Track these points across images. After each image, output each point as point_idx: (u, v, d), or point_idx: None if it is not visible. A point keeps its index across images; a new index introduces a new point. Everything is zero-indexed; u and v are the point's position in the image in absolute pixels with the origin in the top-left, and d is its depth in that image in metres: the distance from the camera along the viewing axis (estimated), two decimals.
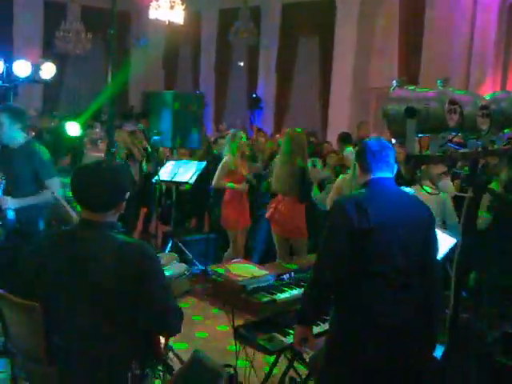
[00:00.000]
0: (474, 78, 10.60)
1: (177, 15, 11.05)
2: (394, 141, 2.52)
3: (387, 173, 2.67)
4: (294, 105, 14.44)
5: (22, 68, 5.53)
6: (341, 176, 5.20)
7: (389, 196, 2.65)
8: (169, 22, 11.13)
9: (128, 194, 2.42)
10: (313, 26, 13.62)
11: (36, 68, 5.68)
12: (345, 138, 7.72)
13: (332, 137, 11.17)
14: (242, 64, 15.87)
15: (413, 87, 2.40)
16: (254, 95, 15.00)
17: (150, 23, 12.57)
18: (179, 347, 4.33)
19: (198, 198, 6.99)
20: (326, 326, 3.13)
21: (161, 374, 2.78)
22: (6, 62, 5.46)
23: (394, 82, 2.32)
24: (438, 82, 2.45)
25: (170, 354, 3.91)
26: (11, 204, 4.03)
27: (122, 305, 2.31)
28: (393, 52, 12.09)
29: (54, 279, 2.35)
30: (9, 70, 5.46)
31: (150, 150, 6.79)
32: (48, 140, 7.63)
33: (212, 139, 9.44)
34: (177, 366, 3.85)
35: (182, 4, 11.33)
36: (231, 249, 5.99)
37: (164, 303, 2.39)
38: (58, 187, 4.19)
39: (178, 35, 14.80)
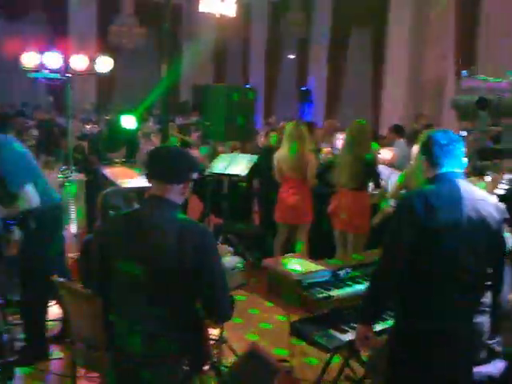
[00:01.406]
0: None
1: (228, 8, 11.02)
2: (464, 133, 2.41)
3: (456, 167, 2.56)
4: (346, 97, 14.24)
5: (78, 62, 5.61)
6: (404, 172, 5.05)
7: (458, 192, 2.52)
8: (220, 15, 11.12)
9: (195, 175, 2.55)
10: (365, 15, 13.35)
11: (92, 61, 5.74)
12: (397, 130, 7.56)
13: (385, 129, 10.97)
14: (292, 56, 15.77)
15: (484, 77, 2.29)
16: (304, 88, 14.88)
17: (201, 16, 12.63)
18: (235, 342, 4.35)
19: (251, 191, 6.99)
20: (387, 324, 3.05)
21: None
22: (63, 56, 5.55)
23: (465, 71, 2.22)
24: (509, 72, 2.32)
25: (224, 347, 3.95)
26: None
27: (182, 283, 2.38)
28: (448, 41, 11.75)
29: (116, 257, 2.44)
30: (66, 64, 5.53)
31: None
32: (104, 133, 7.79)
33: (262, 132, 9.43)
34: (231, 359, 3.88)
35: None
36: (303, 245, 5.88)
37: (222, 283, 2.47)
38: (31, 197, 3.79)
39: (228, 28, 14.82)
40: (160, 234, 2.38)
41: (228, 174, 6.41)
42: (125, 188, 3.91)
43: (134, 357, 2.40)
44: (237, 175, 6.35)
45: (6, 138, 4.00)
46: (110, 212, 3.26)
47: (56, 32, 14.73)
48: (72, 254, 4.93)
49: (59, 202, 4.19)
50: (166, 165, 2.49)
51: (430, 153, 2.57)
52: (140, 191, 4.97)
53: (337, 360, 3.69)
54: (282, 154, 5.83)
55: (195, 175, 2.57)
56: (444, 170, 2.55)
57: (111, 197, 3.39)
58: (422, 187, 2.60)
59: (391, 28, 12.78)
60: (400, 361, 2.57)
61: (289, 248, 6.00)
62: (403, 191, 4.91)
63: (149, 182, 2.51)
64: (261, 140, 8.87)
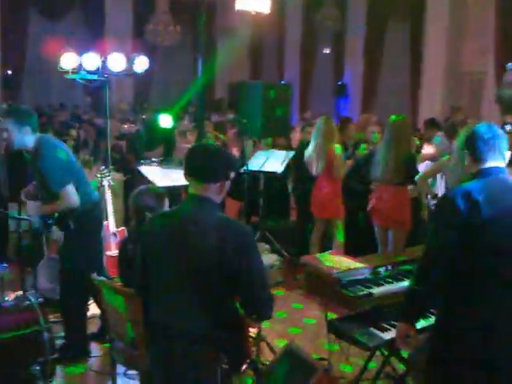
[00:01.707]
0: None
1: (263, 5, 10.98)
2: (508, 127, 2.33)
3: (500, 161, 2.49)
4: (382, 91, 14.07)
5: (116, 62, 5.63)
6: (441, 160, 4.96)
7: (503, 187, 2.46)
8: (255, 11, 11.09)
9: (232, 173, 2.53)
10: (403, 8, 13.15)
11: (129, 61, 5.76)
12: (433, 124, 7.42)
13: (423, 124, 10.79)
14: (327, 51, 15.64)
15: None
16: (340, 82, 14.75)
17: (236, 13, 12.61)
18: (272, 339, 4.34)
19: (286, 188, 6.95)
20: (429, 321, 2.99)
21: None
22: (100, 56, 5.59)
23: (510, 64, 2.13)
24: None
25: (263, 345, 3.93)
26: (29, 210, 4.01)
27: (221, 282, 2.37)
28: (487, 35, 11.49)
29: (157, 257, 2.46)
30: (103, 65, 5.57)
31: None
32: (141, 132, 7.86)
33: (298, 128, 9.36)
34: (269, 357, 3.87)
35: None
36: (338, 239, 5.95)
37: (261, 282, 2.45)
38: (71, 197, 3.83)
39: (263, 24, 14.78)
40: (200, 233, 2.37)
41: (264, 171, 6.39)
42: (156, 187, 3.92)
43: (174, 355, 2.41)
44: (273, 172, 6.33)
45: (48, 138, 4.07)
46: (146, 213, 3.26)
47: (93, 32, 14.95)
48: (110, 253, 4.99)
49: (98, 202, 4.24)
50: (203, 163, 2.48)
51: (474, 147, 2.51)
52: (172, 190, 5.03)
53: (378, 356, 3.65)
54: (308, 150, 5.91)
55: (232, 174, 2.55)
56: (488, 164, 2.49)
57: (143, 196, 3.39)
58: (464, 183, 2.53)
59: (429, 21, 12.57)
60: (441, 359, 2.52)
61: (325, 243, 6.01)
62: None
63: (186, 180, 2.51)
64: (296, 135, 8.81)
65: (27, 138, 3.82)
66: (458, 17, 12.21)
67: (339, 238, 5.99)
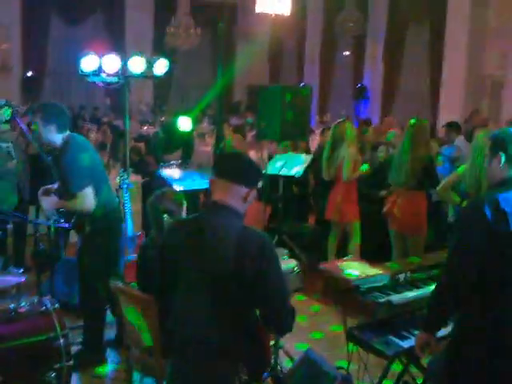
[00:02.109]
0: None
1: (283, 7, 10.98)
2: None
3: None
4: (402, 94, 13.98)
5: (136, 64, 5.63)
6: (461, 168, 4.89)
7: None
8: (275, 14, 11.09)
9: (259, 185, 2.57)
10: (423, 10, 13.05)
11: (149, 64, 5.76)
12: (453, 127, 7.34)
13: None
14: (347, 54, 15.58)
15: None
16: (360, 85, 14.67)
17: (256, 16, 12.64)
18: (291, 345, 4.30)
19: (305, 192, 6.91)
20: (448, 329, 2.94)
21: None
22: (121, 58, 5.59)
23: None
24: None
25: (281, 353, 3.90)
26: (44, 205, 4.01)
27: (239, 293, 2.33)
28: (508, 37, 11.33)
29: (177, 264, 2.43)
30: (124, 67, 5.57)
31: None
32: (161, 135, 7.87)
33: (317, 131, 9.33)
34: (287, 364, 3.83)
35: None
36: (355, 243, 5.93)
37: (282, 294, 2.41)
38: (88, 201, 3.82)
39: (283, 27, 14.79)
40: (219, 242, 2.34)
41: (283, 175, 6.36)
42: (174, 190, 3.90)
43: (191, 365, 2.39)
44: (292, 176, 6.29)
45: (77, 138, 4.05)
46: (164, 216, 3.25)
47: (114, 35, 15.08)
48: (128, 257, 4.99)
49: (117, 206, 4.24)
50: (236, 164, 2.48)
51: (506, 152, 2.43)
52: (190, 194, 5.01)
53: (396, 366, 3.60)
54: (323, 155, 5.94)
55: (260, 184, 2.54)
56: None
57: (161, 200, 3.38)
58: (491, 191, 2.47)
59: (450, 24, 12.44)
60: (460, 368, 2.47)
61: (342, 248, 5.98)
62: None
63: (212, 183, 2.47)
64: (316, 138, 8.78)
65: (52, 136, 3.87)
66: (478, 19, 12.07)
67: (355, 240, 5.95)
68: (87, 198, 3.83)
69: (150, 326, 2.98)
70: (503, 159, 2.45)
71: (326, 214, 6.06)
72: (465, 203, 4.71)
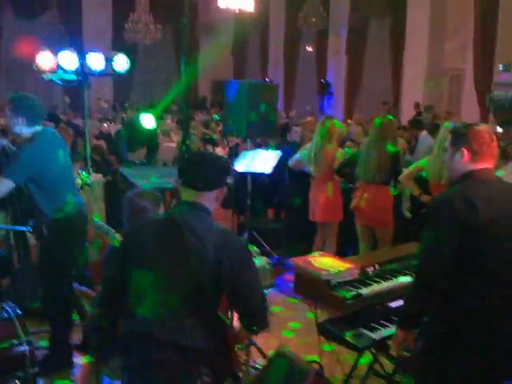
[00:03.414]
0: None
1: (247, 3, 10.93)
2: (499, 129, 2.30)
3: (490, 163, 2.47)
4: (365, 88, 14.14)
5: (95, 61, 5.51)
6: (423, 160, 4.96)
7: (496, 189, 2.45)
8: (238, 9, 11.04)
9: (229, 180, 2.49)
10: (384, 6, 13.23)
11: (109, 61, 5.65)
12: (415, 124, 7.46)
13: (404, 120, 10.86)
14: (310, 49, 15.65)
15: None
16: (323, 80, 14.75)
17: (219, 11, 12.55)
18: (263, 341, 4.29)
19: (275, 188, 6.88)
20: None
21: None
22: (78, 55, 5.46)
23: (501, 66, 2.09)
24: None
25: (253, 349, 3.88)
26: None
27: (215, 295, 2.34)
28: (468, 31, 11.60)
29: (143, 264, 2.37)
30: (82, 64, 5.44)
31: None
32: (123, 132, 7.74)
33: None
34: (260, 361, 3.82)
35: None
36: (330, 242, 5.79)
37: (258, 295, 2.42)
38: (2, 190, 3.69)
39: (246, 23, 14.75)
40: (198, 244, 2.31)
41: (252, 172, 6.31)
42: (150, 189, 3.80)
43: (154, 366, 2.33)
44: (261, 173, 6.25)
45: (44, 135, 3.89)
46: (140, 216, 3.15)
47: (70, 31, 14.75)
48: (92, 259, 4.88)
49: (79, 207, 4.09)
50: (200, 174, 2.43)
51: (476, 147, 2.45)
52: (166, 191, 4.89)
53: (367, 357, 3.62)
54: (306, 151, 5.82)
55: (230, 179, 2.50)
56: (480, 165, 2.46)
57: (141, 197, 3.26)
58: (457, 184, 2.50)
59: (410, 18, 12.67)
60: (436, 359, 2.49)
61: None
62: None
63: (181, 189, 2.46)
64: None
65: (20, 129, 3.76)
66: (438, 14, 12.32)
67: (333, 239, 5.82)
68: (3, 186, 3.68)
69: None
70: (465, 154, 2.48)
71: (313, 216, 5.86)
72: (423, 196, 4.82)
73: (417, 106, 11.73)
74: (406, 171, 5.08)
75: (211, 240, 2.31)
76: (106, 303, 2.58)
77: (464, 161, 2.49)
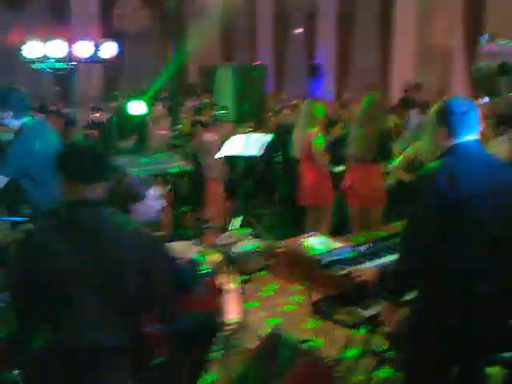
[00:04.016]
0: None
1: None
2: (486, 99, 2.33)
3: (473, 135, 2.49)
4: (356, 68, 14.09)
5: (83, 49, 5.50)
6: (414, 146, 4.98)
7: (478, 161, 2.48)
8: None
9: (113, 173, 2.51)
10: None
11: (97, 48, 5.63)
12: (406, 103, 7.45)
13: (395, 98, 10.84)
14: (299, 31, 15.55)
15: (505, 41, 2.18)
16: (313, 62, 14.68)
17: None
18: (257, 322, 4.34)
19: (266, 172, 6.89)
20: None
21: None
22: (67, 43, 5.44)
23: (485, 36, 2.10)
24: None
25: (246, 331, 3.92)
26: None
27: (132, 292, 2.28)
28: (456, 9, 11.55)
29: (50, 272, 2.25)
30: (70, 52, 5.42)
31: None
32: (113, 121, 7.71)
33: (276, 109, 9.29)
34: (253, 342, 3.86)
35: None
36: (322, 226, 5.76)
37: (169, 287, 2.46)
38: None
39: (233, 5, 14.63)
40: (109, 244, 2.25)
41: (243, 156, 6.32)
42: (145, 176, 3.75)
43: (77, 370, 2.25)
44: (252, 156, 6.25)
45: (32, 126, 3.91)
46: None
47: (58, 19, 14.59)
48: None
49: None
50: (84, 165, 2.30)
51: (448, 122, 2.49)
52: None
53: (361, 333, 3.68)
54: (295, 134, 5.79)
55: (113, 175, 2.48)
56: (462, 139, 2.48)
57: (132, 184, 3.21)
58: (441, 159, 2.52)
59: None
60: (425, 327, 2.53)
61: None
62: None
63: (67, 185, 2.33)
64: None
65: (8, 121, 3.82)
66: None
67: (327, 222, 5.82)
68: None
69: None
70: (441, 130, 2.52)
71: (301, 199, 5.88)
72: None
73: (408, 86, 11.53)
74: (400, 159, 5.06)
75: (123, 239, 2.27)
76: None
77: (444, 136, 2.52)
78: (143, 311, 2.43)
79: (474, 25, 11.05)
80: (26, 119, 3.83)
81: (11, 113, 3.76)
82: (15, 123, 3.81)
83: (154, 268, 2.33)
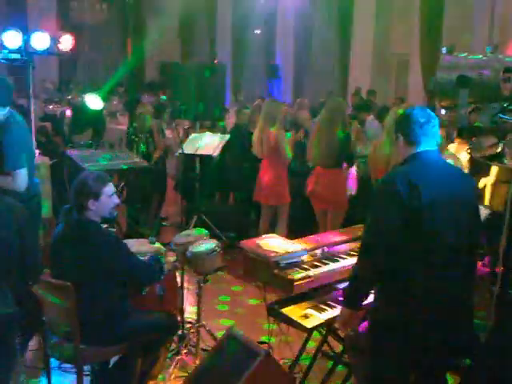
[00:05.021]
0: (497, 41, 10.33)
1: None
2: (443, 111, 2.39)
3: (433, 145, 2.55)
4: (313, 72, 14.23)
5: (39, 41, 5.37)
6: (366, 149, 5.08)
7: (437, 170, 2.53)
8: None
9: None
10: None
11: (54, 40, 5.52)
12: (364, 107, 7.57)
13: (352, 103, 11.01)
14: (258, 32, 15.60)
15: (464, 54, 2.25)
16: (272, 64, 14.76)
17: None
18: (213, 323, 4.32)
19: (223, 171, 6.87)
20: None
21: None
22: (23, 34, 5.31)
23: (444, 48, 2.17)
24: (488, 48, 2.29)
25: (202, 331, 3.91)
26: None
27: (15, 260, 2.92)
28: (413, 17, 11.81)
29: None
30: (26, 43, 5.30)
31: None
32: (68, 114, 7.55)
33: (232, 110, 9.29)
34: (210, 342, 3.85)
35: None
36: (281, 225, 5.80)
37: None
38: (22, 181, 3.75)
39: (194, 3, 14.54)
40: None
41: (199, 155, 6.29)
42: (100, 171, 3.69)
43: None
44: (208, 155, 6.23)
45: (16, 116, 3.88)
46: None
47: (14, 10, 14.20)
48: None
49: (39, 190, 4.04)
50: None
51: (409, 131, 2.54)
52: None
53: (316, 336, 3.71)
54: (255, 133, 5.80)
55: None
56: (422, 148, 2.53)
57: (93, 182, 3.13)
58: (401, 167, 2.57)
59: (357, 2, 12.75)
60: (383, 335, 2.57)
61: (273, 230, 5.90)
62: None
63: None
64: (232, 118, 8.72)
65: None
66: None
67: (283, 221, 5.82)
68: (21, 178, 3.72)
69: (68, 312, 2.90)
70: (401, 139, 2.58)
71: (257, 197, 5.87)
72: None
73: (357, 92, 11.64)
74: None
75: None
76: None
77: (402, 146, 2.58)
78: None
79: (431, 33, 11.34)
80: (8, 109, 3.76)
81: None
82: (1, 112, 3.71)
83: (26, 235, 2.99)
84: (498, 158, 2.82)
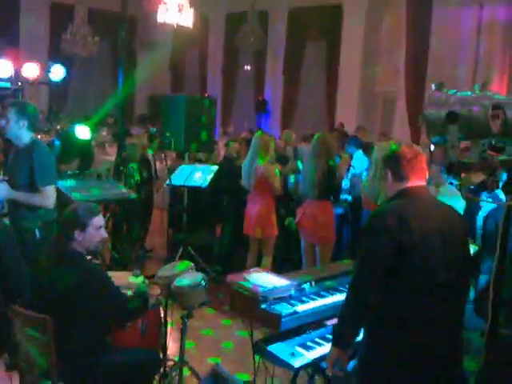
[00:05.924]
0: (481, 78, 10.53)
1: (185, 18, 10.93)
2: (432, 147, 2.39)
3: (422, 180, 2.54)
4: (301, 108, 14.40)
5: (30, 70, 5.46)
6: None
7: (427, 207, 2.52)
8: (177, 25, 11.00)
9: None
10: (320, 30, 13.64)
11: (44, 70, 5.60)
12: (352, 142, 7.63)
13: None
14: (248, 68, 15.80)
15: (453, 91, 2.26)
16: (261, 98, 14.92)
17: (157, 27, 12.48)
18: (198, 360, 4.22)
19: (211, 203, 6.83)
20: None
21: None
22: (14, 64, 5.37)
23: (433, 85, 2.18)
24: (476, 86, 2.31)
25: (186, 370, 3.80)
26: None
27: None
28: (399, 56, 12.06)
29: None
30: (17, 73, 5.37)
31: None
32: (57, 144, 7.52)
33: (221, 143, 9.32)
34: (193, 382, 3.75)
35: (191, 7, 11.21)
36: (268, 259, 5.74)
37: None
38: (51, 198, 3.91)
39: (185, 39, 14.73)
40: None
41: (188, 186, 6.26)
42: (90, 202, 3.66)
43: None
44: (197, 186, 6.20)
45: (40, 141, 4.20)
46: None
47: (6, 40, 14.30)
48: None
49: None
50: None
51: (397, 167, 2.53)
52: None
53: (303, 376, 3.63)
54: (243, 165, 5.80)
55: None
56: (410, 183, 2.53)
57: (86, 212, 3.08)
58: (391, 203, 2.56)
59: (344, 43, 13.05)
60: (370, 375, 2.51)
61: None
62: None
63: None
64: (221, 150, 8.74)
65: (22, 132, 3.95)
66: (371, 39, 12.75)
67: (269, 255, 5.76)
68: (50, 195, 3.89)
69: (45, 346, 2.80)
70: (390, 175, 2.58)
71: (246, 230, 5.83)
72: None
73: (340, 126, 11.73)
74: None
75: None
76: None
77: (391, 181, 2.58)
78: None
79: (417, 71, 11.56)
80: (33, 134, 4.05)
81: (26, 124, 3.92)
82: (27, 135, 3.96)
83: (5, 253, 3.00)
84: None
